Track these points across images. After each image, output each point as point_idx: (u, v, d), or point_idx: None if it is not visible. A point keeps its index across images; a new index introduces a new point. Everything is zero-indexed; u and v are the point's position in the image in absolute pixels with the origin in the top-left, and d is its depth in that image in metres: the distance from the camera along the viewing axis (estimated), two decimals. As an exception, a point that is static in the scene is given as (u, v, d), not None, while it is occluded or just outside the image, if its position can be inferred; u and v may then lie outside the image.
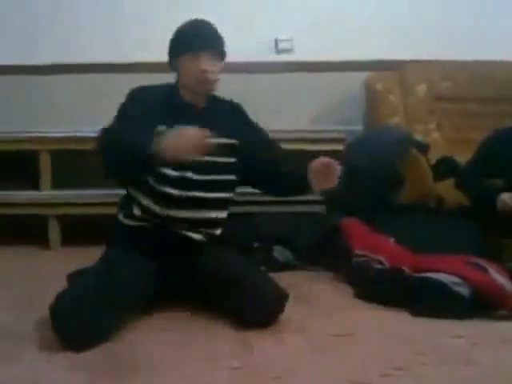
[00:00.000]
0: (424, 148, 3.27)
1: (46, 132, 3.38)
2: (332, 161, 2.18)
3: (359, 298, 2.53)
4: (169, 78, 2.38)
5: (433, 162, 3.27)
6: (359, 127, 3.70)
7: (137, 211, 2.32)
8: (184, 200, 2.29)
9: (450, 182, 3.09)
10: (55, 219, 3.36)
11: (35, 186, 3.34)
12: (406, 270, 2.50)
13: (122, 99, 2.32)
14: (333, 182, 2.20)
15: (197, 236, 2.34)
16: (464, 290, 2.35)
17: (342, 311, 2.38)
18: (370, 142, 3.32)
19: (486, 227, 2.78)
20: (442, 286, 2.37)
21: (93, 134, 2.36)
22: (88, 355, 1.96)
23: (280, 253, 2.96)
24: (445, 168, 3.24)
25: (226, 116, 2.41)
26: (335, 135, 3.45)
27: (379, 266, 2.59)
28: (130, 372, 1.87)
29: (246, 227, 3.03)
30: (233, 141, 2.38)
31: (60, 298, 2.03)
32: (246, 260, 2.48)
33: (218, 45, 2.33)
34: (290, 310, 2.24)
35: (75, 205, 3.34)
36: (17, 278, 2.79)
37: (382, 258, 2.60)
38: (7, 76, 3.67)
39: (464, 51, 3.64)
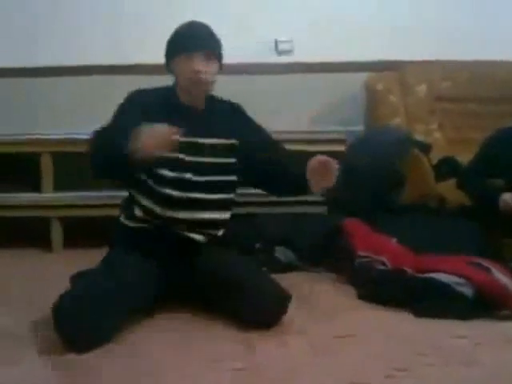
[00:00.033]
0: (426, 148, 3.27)
1: (48, 134, 3.38)
2: (329, 159, 2.17)
3: (362, 299, 2.52)
4: (169, 79, 2.39)
5: (434, 162, 3.27)
6: (359, 128, 3.70)
7: (138, 212, 2.32)
8: (184, 201, 2.30)
9: (451, 182, 3.10)
10: (57, 221, 3.36)
11: (37, 188, 3.34)
12: (409, 270, 2.50)
13: (122, 101, 2.33)
14: (331, 180, 2.19)
15: (198, 237, 2.34)
16: (467, 290, 2.35)
17: (344, 312, 2.38)
18: (371, 143, 3.32)
19: (487, 227, 2.78)
20: (445, 287, 2.37)
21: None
22: (90, 356, 1.96)
23: (282, 254, 2.96)
24: (446, 168, 3.24)
25: (225, 116, 2.41)
26: (335, 136, 3.44)
27: (382, 267, 2.59)
28: (131, 373, 1.87)
29: (248, 228, 3.03)
30: (232, 141, 2.38)
31: (62, 299, 2.04)
32: (246, 261, 2.48)
33: (212, 45, 2.34)
34: (293, 312, 2.24)
35: (77, 207, 3.34)
36: (19, 280, 2.79)
37: (384, 259, 2.60)
38: (7, 78, 3.66)
39: (464, 51, 3.64)
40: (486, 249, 2.67)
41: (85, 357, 1.95)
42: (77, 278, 2.29)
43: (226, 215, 2.41)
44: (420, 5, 3.81)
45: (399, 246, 2.71)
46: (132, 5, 3.72)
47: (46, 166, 3.33)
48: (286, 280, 2.45)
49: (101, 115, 2.27)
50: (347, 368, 1.92)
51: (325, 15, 3.76)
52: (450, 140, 3.64)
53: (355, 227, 2.87)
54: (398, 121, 3.61)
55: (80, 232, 3.32)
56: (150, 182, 2.29)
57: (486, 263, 2.46)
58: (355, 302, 2.52)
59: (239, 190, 2.48)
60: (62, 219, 3.37)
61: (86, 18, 3.71)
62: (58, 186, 3.35)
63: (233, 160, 2.39)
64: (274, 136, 2.53)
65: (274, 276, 2.38)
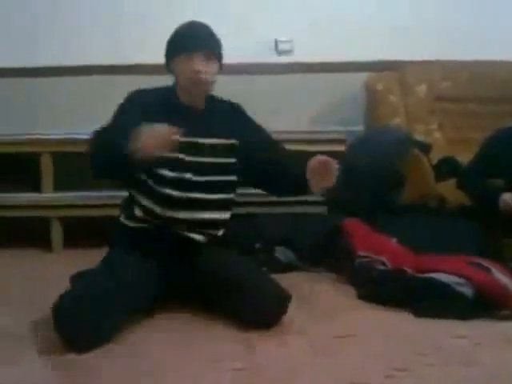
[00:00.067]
0: (426, 148, 3.28)
1: (48, 134, 3.38)
2: (329, 159, 2.17)
3: (362, 299, 2.52)
4: (169, 79, 2.39)
5: (434, 162, 3.27)
6: (359, 128, 3.70)
7: (138, 212, 2.32)
8: (184, 201, 2.30)
9: (451, 182, 3.10)
10: (57, 221, 3.36)
11: (37, 188, 3.34)
12: (409, 270, 2.50)
13: (122, 101, 2.33)
14: (331, 180, 2.18)
15: (198, 237, 2.34)
16: (467, 290, 2.35)
17: (344, 312, 2.38)
18: (371, 143, 3.32)
19: (487, 227, 2.78)
20: (445, 287, 2.37)
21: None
22: (90, 356, 1.96)
23: (282, 254, 2.96)
24: (446, 168, 3.24)
25: (225, 116, 2.41)
26: (335, 136, 3.44)
27: (382, 267, 2.59)
28: (131, 373, 1.87)
29: (248, 228, 3.03)
30: (232, 141, 2.38)
31: (62, 299, 2.04)
32: (246, 261, 2.48)
33: (212, 45, 2.34)
34: (293, 312, 2.24)
35: (77, 207, 3.34)
36: (19, 280, 2.79)
37: (384, 259, 2.60)
38: (7, 78, 3.66)
39: (464, 51, 3.64)
40: (486, 249, 2.67)
41: (85, 357, 1.95)
42: (77, 278, 2.30)
43: (226, 215, 2.41)
44: (420, 5, 3.81)
45: (399, 246, 2.71)
46: (132, 5, 3.72)
47: (46, 166, 3.33)
48: (286, 280, 2.45)
49: (101, 115, 2.27)
50: (347, 368, 1.92)
51: (325, 15, 3.76)
52: (450, 140, 3.64)
53: (355, 227, 2.87)
54: (397, 121, 3.61)
55: (80, 232, 3.32)
56: (150, 182, 2.29)
57: (486, 263, 2.46)
58: (355, 302, 2.52)
59: (239, 190, 2.48)
60: (62, 219, 3.37)
61: (86, 18, 3.71)
62: (58, 186, 3.35)
63: (233, 160, 2.39)
64: (274, 136, 2.53)
65: (274, 276, 2.38)
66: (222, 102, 2.45)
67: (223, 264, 2.30)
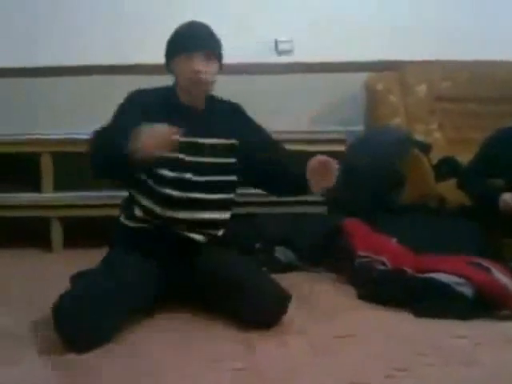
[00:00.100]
0: (426, 148, 3.28)
1: (48, 134, 3.38)
2: (329, 159, 2.17)
3: (362, 299, 2.52)
4: (169, 79, 2.39)
5: (434, 162, 3.27)
6: (359, 128, 3.70)
7: (138, 212, 2.32)
8: (184, 201, 2.30)
9: (451, 182, 3.10)
10: (57, 221, 3.36)
11: (37, 188, 3.34)
12: (409, 270, 2.50)
13: (122, 101, 2.33)
14: (331, 180, 2.18)
15: (198, 237, 2.34)
16: (467, 290, 2.35)
17: (344, 312, 2.38)
18: (371, 143, 3.32)
19: (487, 227, 2.78)
20: (445, 287, 2.37)
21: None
22: (90, 356, 1.96)
23: (282, 254, 2.96)
24: (446, 168, 3.24)
25: (225, 116, 2.41)
26: (335, 136, 3.44)
27: (382, 267, 2.59)
28: (131, 373, 1.87)
29: (248, 228, 3.03)
30: (232, 141, 2.38)
31: (62, 299, 2.04)
32: (246, 261, 2.49)
33: (212, 45, 2.34)
34: (293, 312, 2.24)
35: (77, 207, 3.34)
36: (19, 280, 2.79)
37: (384, 259, 2.60)
38: (7, 78, 3.66)
39: (464, 51, 3.64)
40: (486, 249, 2.67)
41: (85, 357, 1.95)
42: (77, 278, 2.30)
43: (226, 215, 2.41)
44: (420, 5, 3.81)
45: (399, 246, 2.71)
46: (132, 5, 3.72)
47: (46, 166, 3.33)
48: (286, 280, 2.45)
49: (101, 115, 2.27)
50: (347, 368, 1.92)
51: (325, 15, 3.76)
52: (450, 140, 3.64)
53: (355, 227, 2.87)
54: (398, 121, 3.61)
55: (80, 232, 3.32)
56: (150, 182, 2.29)
57: (486, 263, 2.46)
58: (355, 302, 2.52)
59: (239, 190, 2.48)
60: (62, 219, 3.37)
61: (86, 18, 3.71)
62: (58, 186, 3.35)
63: (233, 160, 2.39)
64: (274, 136, 2.53)
65: (274, 276, 2.38)
66: (221, 101, 2.45)
67: (223, 264, 2.31)
